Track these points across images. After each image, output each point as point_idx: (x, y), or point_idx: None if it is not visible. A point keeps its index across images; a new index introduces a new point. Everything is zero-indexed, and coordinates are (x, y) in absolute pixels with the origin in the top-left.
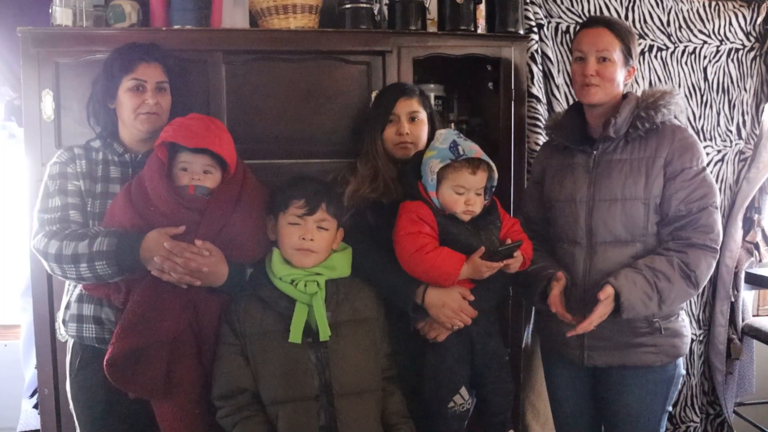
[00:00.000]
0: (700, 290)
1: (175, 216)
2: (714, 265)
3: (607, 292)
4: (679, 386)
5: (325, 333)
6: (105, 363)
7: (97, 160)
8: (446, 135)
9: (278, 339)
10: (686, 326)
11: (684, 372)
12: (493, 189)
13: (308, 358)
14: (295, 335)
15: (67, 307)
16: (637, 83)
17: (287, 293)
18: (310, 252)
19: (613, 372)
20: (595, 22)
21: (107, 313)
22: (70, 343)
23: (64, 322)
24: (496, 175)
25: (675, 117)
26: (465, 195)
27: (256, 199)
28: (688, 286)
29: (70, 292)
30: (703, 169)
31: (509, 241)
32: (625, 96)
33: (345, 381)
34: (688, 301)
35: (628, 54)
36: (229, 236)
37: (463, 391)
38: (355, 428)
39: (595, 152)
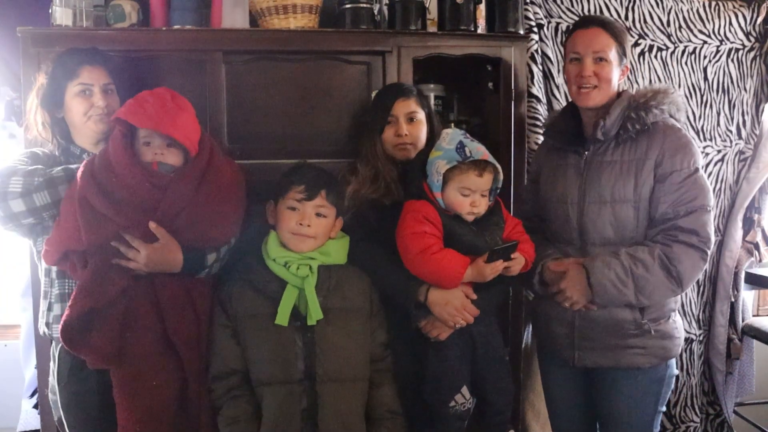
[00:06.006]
0: (685, 288)
1: (138, 189)
2: (702, 266)
3: (566, 265)
4: (672, 386)
5: (317, 315)
6: (60, 329)
7: (59, 163)
8: (453, 135)
9: (267, 322)
10: (678, 328)
11: (677, 372)
12: (498, 190)
13: (294, 341)
14: (282, 317)
15: (49, 308)
16: (637, 83)
17: (279, 275)
18: (306, 237)
19: (604, 373)
20: (589, 22)
21: None
22: (55, 350)
23: (48, 324)
24: (501, 176)
25: (671, 116)
26: (471, 197)
27: (223, 182)
28: (669, 280)
29: (50, 293)
30: (696, 170)
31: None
32: (619, 95)
33: (328, 367)
34: (687, 302)
35: (622, 54)
36: (191, 219)
37: (465, 390)
38: (334, 415)
39: (586, 153)
